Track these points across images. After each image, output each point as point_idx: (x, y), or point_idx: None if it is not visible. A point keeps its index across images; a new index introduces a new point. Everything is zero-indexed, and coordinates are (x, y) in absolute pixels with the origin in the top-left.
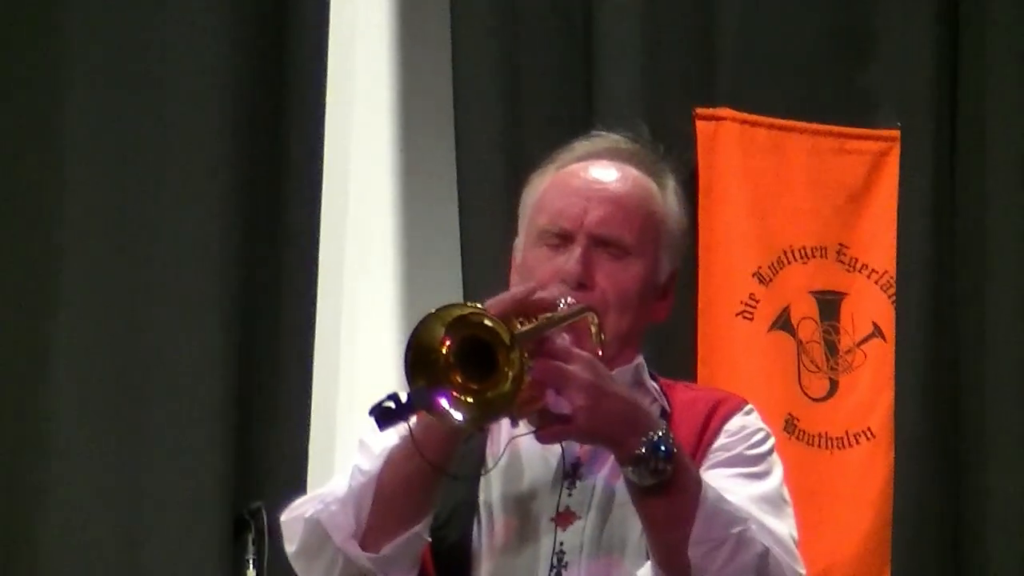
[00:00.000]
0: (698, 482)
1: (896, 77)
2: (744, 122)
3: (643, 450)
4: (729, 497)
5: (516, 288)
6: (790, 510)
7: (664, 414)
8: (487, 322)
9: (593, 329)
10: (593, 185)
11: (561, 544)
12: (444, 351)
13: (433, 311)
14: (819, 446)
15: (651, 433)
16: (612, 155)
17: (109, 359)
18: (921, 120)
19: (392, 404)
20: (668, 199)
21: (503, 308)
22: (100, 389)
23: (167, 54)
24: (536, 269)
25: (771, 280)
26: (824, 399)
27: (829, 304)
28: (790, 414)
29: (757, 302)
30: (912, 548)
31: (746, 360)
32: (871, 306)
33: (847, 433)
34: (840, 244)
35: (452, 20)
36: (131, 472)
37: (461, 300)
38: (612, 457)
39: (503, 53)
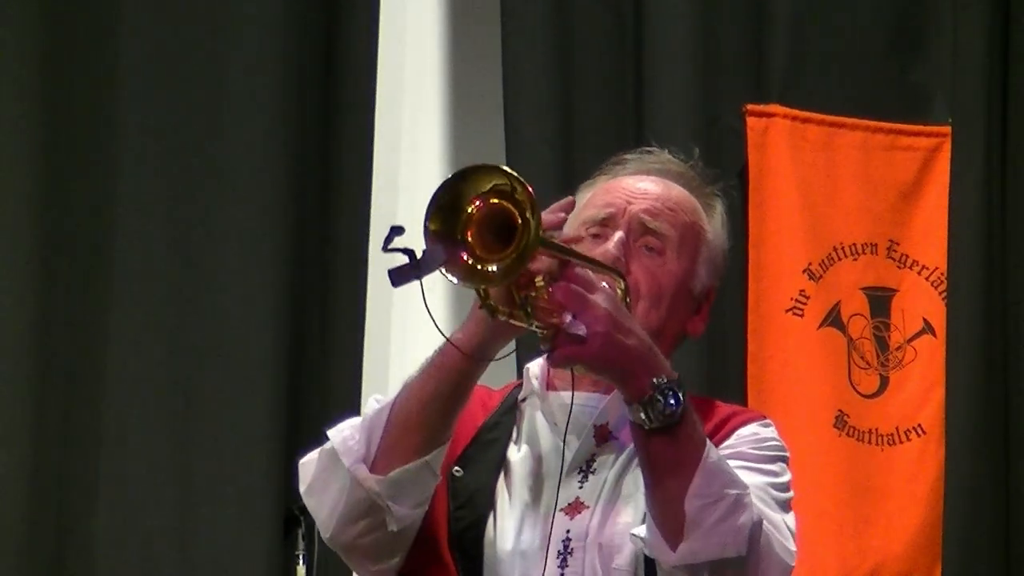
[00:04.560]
0: (703, 439)
1: (947, 73)
2: (795, 119)
3: (652, 391)
4: None
5: (547, 213)
6: (788, 510)
7: None
8: (524, 204)
9: (620, 293)
10: (641, 186)
11: (568, 532)
12: (471, 209)
13: (486, 166)
14: (869, 443)
15: (663, 376)
16: (662, 173)
17: (161, 356)
18: (973, 116)
19: (407, 259)
20: (714, 219)
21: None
22: (152, 386)
23: (221, 53)
24: None
25: (821, 277)
26: (875, 396)
27: (880, 301)
28: (840, 411)
29: (807, 299)
30: (963, 545)
31: (796, 357)
32: (922, 303)
33: (897, 430)
34: (891, 240)
35: (502, 18)
36: (183, 468)
37: (512, 172)
38: (625, 452)
39: (553, 51)
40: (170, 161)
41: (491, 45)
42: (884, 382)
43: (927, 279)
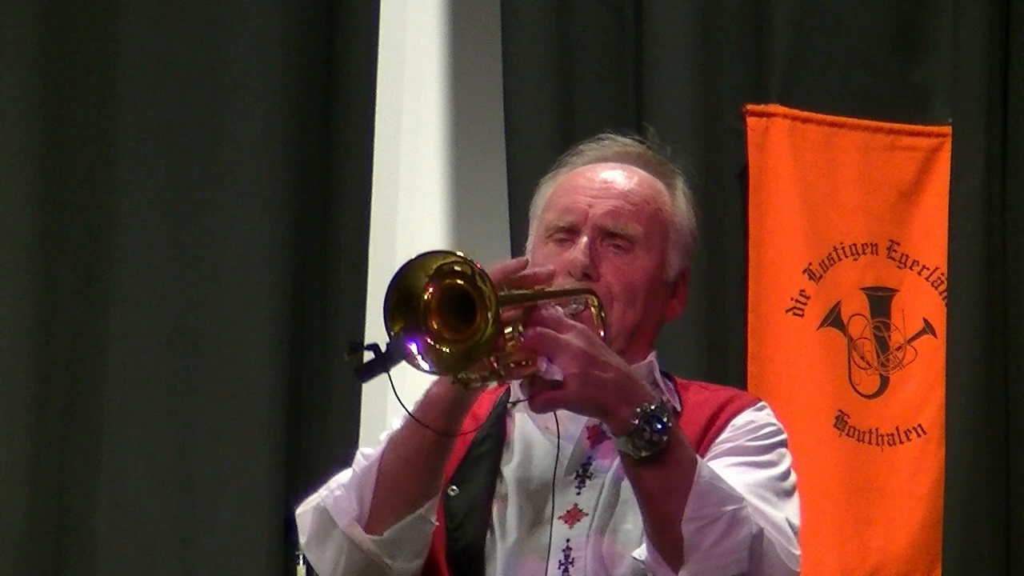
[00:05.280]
0: (693, 459)
1: (947, 73)
2: (795, 119)
3: (636, 421)
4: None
5: (509, 260)
6: (792, 499)
7: (675, 413)
8: (471, 274)
9: (594, 311)
10: (600, 183)
11: (568, 541)
12: (426, 297)
13: (417, 257)
14: (870, 443)
15: (645, 404)
16: (620, 158)
17: (161, 356)
18: (973, 116)
19: (372, 354)
20: (677, 199)
21: (495, 279)
22: (152, 386)
23: (221, 53)
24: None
25: (821, 277)
26: (875, 396)
27: (880, 301)
28: (840, 411)
29: (807, 299)
30: (963, 545)
31: (796, 357)
32: (922, 303)
33: (898, 430)
34: (891, 240)
35: (502, 17)
36: (183, 469)
37: (451, 250)
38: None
39: (553, 50)
40: (170, 161)
41: (491, 45)
42: (884, 382)
43: (927, 279)
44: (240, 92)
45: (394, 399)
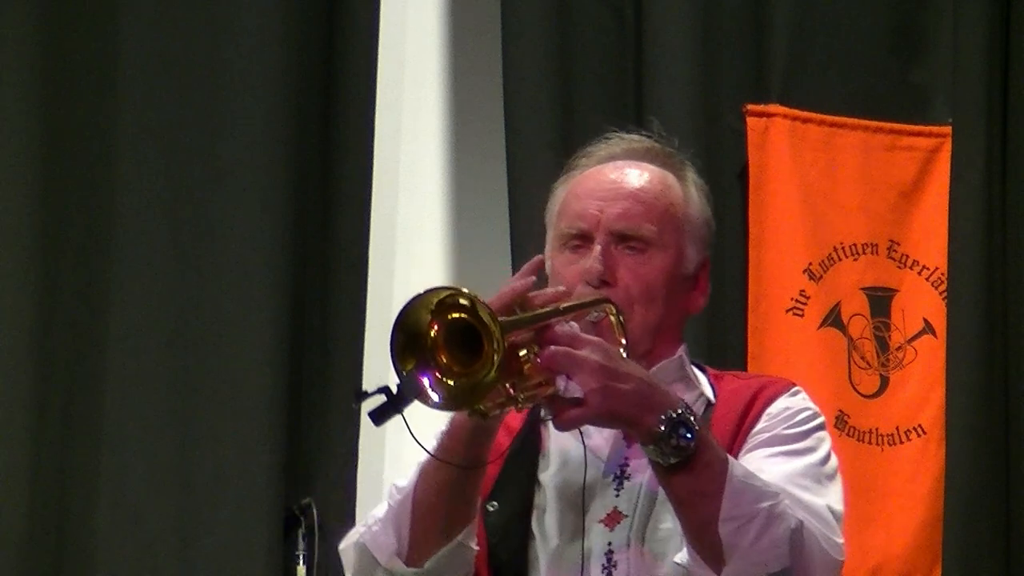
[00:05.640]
0: (724, 459)
1: (947, 73)
2: (795, 119)
3: (662, 428)
4: (764, 476)
5: (514, 281)
6: (833, 484)
7: (709, 405)
8: (472, 306)
9: (613, 320)
10: (609, 184)
11: (609, 544)
12: (432, 334)
13: (416, 296)
14: (870, 443)
15: (669, 411)
16: (628, 155)
17: (161, 355)
18: (973, 116)
19: (384, 397)
20: (688, 190)
21: (502, 302)
22: (152, 385)
23: (221, 53)
24: (561, 273)
25: (822, 277)
26: (875, 396)
27: (880, 301)
28: (841, 411)
29: (808, 299)
30: (963, 544)
31: (796, 357)
32: (922, 303)
33: (898, 430)
34: (891, 241)
35: (503, 18)
36: (183, 468)
37: (449, 285)
38: None
39: (553, 50)
40: (170, 161)
41: (491, 45)
42: (884, 382)
43: (927, 279)
44: (240, 92)
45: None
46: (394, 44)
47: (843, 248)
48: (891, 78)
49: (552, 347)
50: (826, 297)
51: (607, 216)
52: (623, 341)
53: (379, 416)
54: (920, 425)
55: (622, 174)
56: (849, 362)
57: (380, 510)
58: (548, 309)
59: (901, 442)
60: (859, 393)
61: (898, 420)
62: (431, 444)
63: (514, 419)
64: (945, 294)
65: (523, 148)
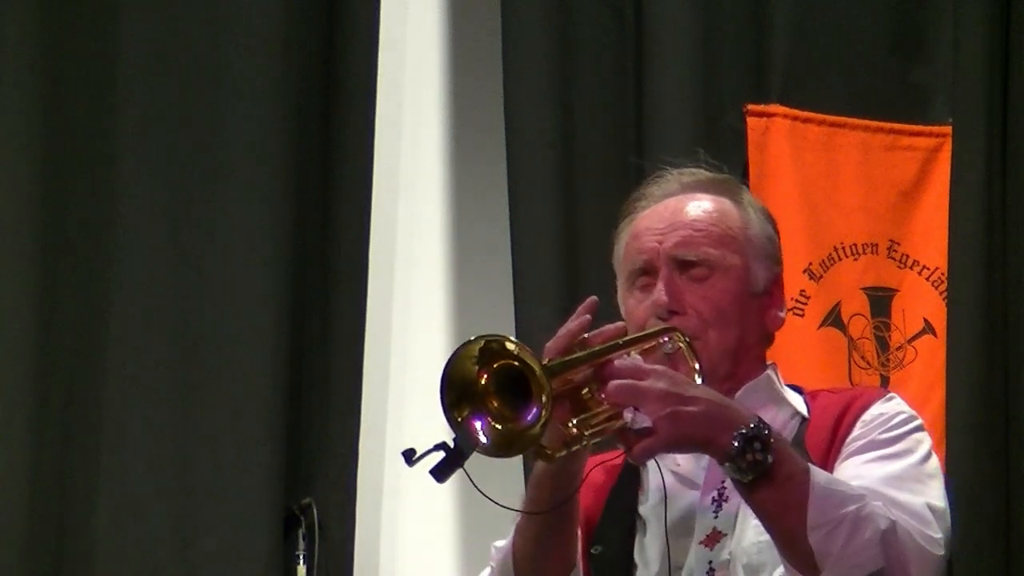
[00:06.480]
0: (805, 469)
1: (947, 73)
2: (795, 119)
3: (735, 444)
4: (861, 481)
5: (568, 323)
6: (934, 482)
7: (803, 421)
8: (515, 350)
9: (683, 346)
10: (668, 218)
11: (710, 563)
12: (483, 381)
13: (458, 349)
14: None
15: (741, 428)
16: (683, 189)
17: (162, 355)
18: (973, 116)
19: (443, 453)
20: (746, 211)
21: (558, 345)
22: (152, 385)
23: (221, 53)
24: (633, 313)
25: (822, 276)
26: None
27: (880, 301)
28: None
29: (808, 298)
30: (963, 544)
31: (797, 357)
32: (922, 303)
33: None
34: (891, 240)
35: (503, 18)
36: (183, 468)
37: (498, 334)
38: None
39: (553, 51)
40: (170, 161)
41: (491, 45)
42: (884, 382)
43: (927, 279)
44: (240, 92)
45: (396, 399)
46: (394, 44)
47: (843, 248)
48: (891, 78)
49: (614, 381)
50: (826, 297)
51: (666, 246)
52: (696, 367)
53: (441, 473)
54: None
55: (678, 207)
56: (849, 362)
57: (485, 573)
58: (607, 345)
59: None
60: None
61: None
62: (515, 509)
63: (614, 460)
64: (945, 294)
65: (523, 148)
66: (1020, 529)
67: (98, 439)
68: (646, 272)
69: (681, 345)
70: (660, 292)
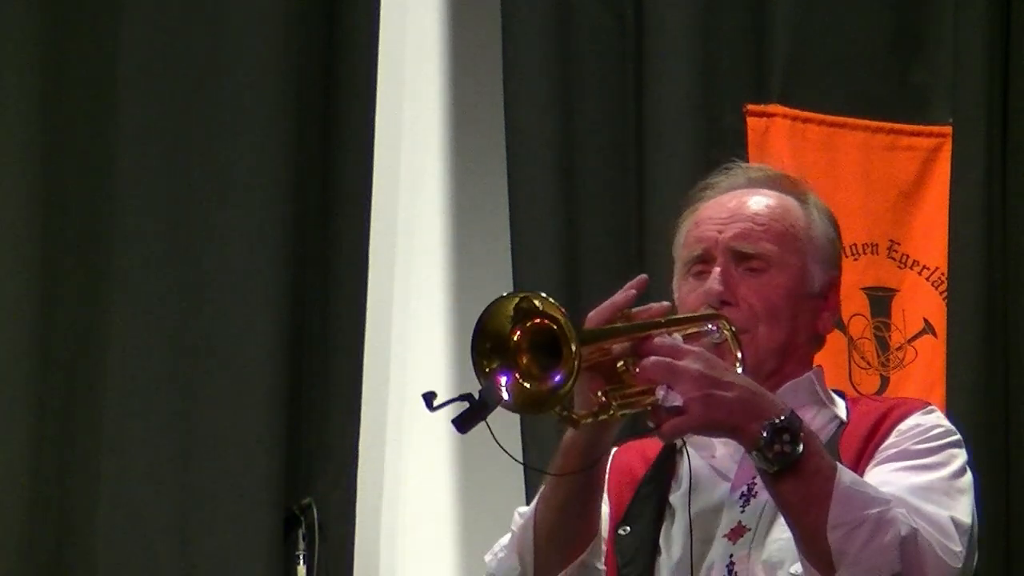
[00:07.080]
0: (832, 467)
1: (947, 73)
2: (795, 119)
3: (765, 434)
4: (888, 488)
5: (617, 295)
6: (963, 497)
7: (841, 425)
8: (552, 312)
9: (728, 335)
10: (730, 209)
11: (731, 556)
12: (515, 337)
13: (498, 300)
14: None
15: (773, 418)
16: (749, 184)
17: (161, 355)
18: (973, 116)
19: (467, 403)
20: (810, 211)
21: (601, 315)
22: (152, 386)
23: (221, 54)
24: (685, 300)
25: None
26: (875, 396)
27: (880, 301)
28: None
29: None
30: None
31: None
32: (922, 303)
33: None
34: (891, 240)
35: (503, 18)
36: (183, 467)
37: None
38: None
39: (554, 51)
40: (170, 161)
41: (491, 45)
42: (884, 382)
43: (927, 279)
44: (240, 92)
45: (396, 398)
46: (394, 44)
47: (843, 248)
48: (891, 78)
49: (650, 357)
50: None
51: (725, 236)
52: (739, 355)
53: (463, 423)
54: None
55: (742, 200)
56: (849, 362)
57: (505, 539)
58: (649, 322)
59: None
60: (859, 393)
61: None
62: (545, 471)
63: (652, 448)
64: (945, 294)
65: (523, 148)
66: (1020, 529)
67: (98, 439)
68: (703, 260)
69: (727, 334)
70: (714, 280)
